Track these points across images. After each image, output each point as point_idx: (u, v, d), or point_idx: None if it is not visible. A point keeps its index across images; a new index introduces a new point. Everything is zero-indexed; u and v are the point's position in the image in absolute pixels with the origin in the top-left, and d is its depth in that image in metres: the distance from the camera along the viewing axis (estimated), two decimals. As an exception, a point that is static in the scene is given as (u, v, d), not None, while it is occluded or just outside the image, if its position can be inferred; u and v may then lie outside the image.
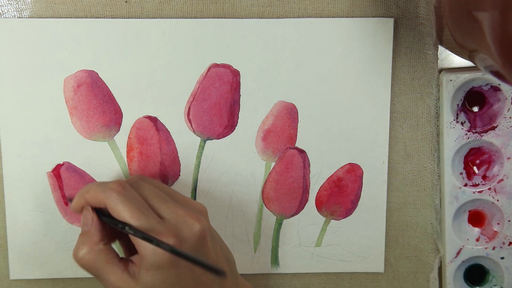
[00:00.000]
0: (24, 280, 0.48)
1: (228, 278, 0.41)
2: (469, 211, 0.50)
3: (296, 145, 0.47)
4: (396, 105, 0.47)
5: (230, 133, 0.47)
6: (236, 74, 0.46)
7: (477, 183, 0.49)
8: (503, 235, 0.49)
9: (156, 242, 0.35)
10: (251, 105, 0.46)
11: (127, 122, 0.46)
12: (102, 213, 0.39)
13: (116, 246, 0.46)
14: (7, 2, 0.44)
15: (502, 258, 0.50)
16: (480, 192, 0.49)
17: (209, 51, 0.45)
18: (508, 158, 0.48)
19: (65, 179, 0.46)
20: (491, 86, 0.48)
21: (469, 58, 0.43)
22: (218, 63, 0.46)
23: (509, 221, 0.49)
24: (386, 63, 0.46)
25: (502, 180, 0.49)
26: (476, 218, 0.50)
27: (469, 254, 0.49)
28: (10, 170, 0.46)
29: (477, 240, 0.50)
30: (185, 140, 0.46)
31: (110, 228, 0.40)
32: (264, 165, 0.47)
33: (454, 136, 0.48)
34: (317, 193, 0.48)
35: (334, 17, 0.46)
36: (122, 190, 0.38)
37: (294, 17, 0.45)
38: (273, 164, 0.47)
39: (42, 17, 0.44)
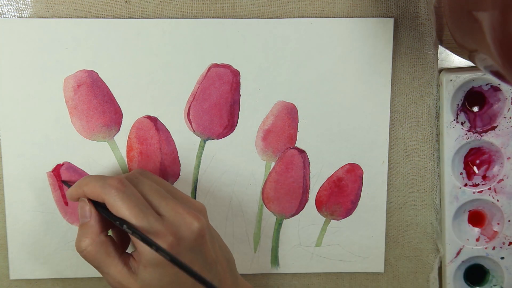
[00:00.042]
0: (24, 280, 0.48)
1: (227, 278, 0.41)
2: (469, 211, 0.50)
3: (296, 145, 0.47)
4: (396, 105, 0.47)
5: (230, 133, 0.47)
6: (236, 74, 0.46)
7: (477, 183, 0.49)
8: (503, 235, 0.49)
9: (155, 247, 0.35)
10: (251, 105, 0.46)
11: (127, 122, 0.46)
12: (98, 204, 0.39)
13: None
14: (7, 2, 0.44)
15: (502, 258, 0.50)
16: (480, 192, 0.49)
17: (209, 51, 0.45)
18: (508, 158, 0.48)
19: (65, 179, 0.46)
20: (491, 86, 0.48)
21: (469, 58, 0.43)
22: (218, 63, 0.46)
23: (509, 221, 0.49)
24: (386, 63, 0.46)
25: (502, 180, 0.49)
26: (476, 218, 0.50)
27: (469, 254, 0.49)
28: (10, 170, 0.46)
29: (477, 240, 0.50)
30: (185, 140, 0.46)
31: (103, 219, 0.40)
32: (264, 165, 0.47)
33: (454, 136, 0.48)
34: (317, 193, 0.48)
35: (334, 17, 0.46)
36: (122, 187, 0.38)
37: (294, 17, 0.45)
38: (273, 164, 0.47)
39: (42, 17, 0.44)
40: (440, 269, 0.50)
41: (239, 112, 0.46)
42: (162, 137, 0.46)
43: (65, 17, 0.44)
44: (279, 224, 0.48)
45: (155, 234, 0.37)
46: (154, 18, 0.45)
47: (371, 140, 0.47)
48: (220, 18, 0.45)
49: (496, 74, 0.37)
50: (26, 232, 0.47)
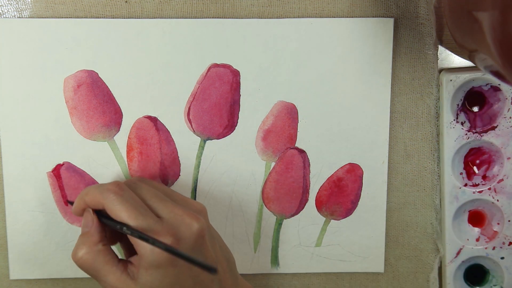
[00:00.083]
0: (24, 280, 0.48)
1: (228, 278, 0.41)
2: (469, 211, 0.50)
3: (296, 145, 0.47)
4: (396, 105, 0.47)
5: (230, 133, 0.47)
6: (236, 74, 0.46)
7: (477, 183, 0.49)
8: (503, 235, 0.49)
9: (151, 241, 0.35)
10: (251, 105, 0.46)
11: (127, 122, 0.46)
12: (102, 215, 0.39)
13: (118, 248, 0.46)
14: (7, 2, 0.44)
15: (502, 258, 0.50)
16: (480, 192, 0.49)
17: (209, 51, 0.45)
18: (508, 158, 0.48)
19: (65, 179, 0.46)
20: (491, 86, 0.48)
21: (469, 58, 0.43)
22: (218, 63, 0.46)
23: (509, 221, 0.49)
24: (386, 63, 0.46)
25: (502, 180, 0.49)
26: (476, 218, 0.50)
27: (469, 254, 0.49)
28: (10, 170, 0.46)
29: (477, 240, 0.50)
30: (185, 140, 0.46)
31: (112, 230, 0.40)
32: (264, 165, 0.47)
33: (454, 136, 0.48)
34: (317, 193, 0.48)
35: (334, 17, 0.46)
36: (119, 191, 0.38)
37: (294, 17, 0.45)
38: (273, 164, 0.47)
39: (42, 17, 0.44)
40: (440, 269, 0.50)
41: (239, 112, 0.46)
42: (162, 137, 0.46)
43: (65, 17, 0.44)
44: (279, 224, 0.48)
45: (154, 235, 0.37)
46: (154, 18, 0.45)
47: (371, 140, 0.47)
48: (220, 18, 0.45)
49: (496, 74, 0.37)
50: (26, 232, 0.47)
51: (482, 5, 0.34)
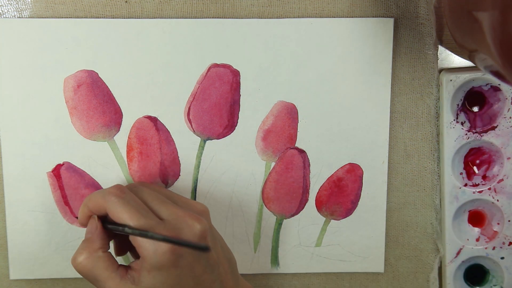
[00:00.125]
0: (24, 280, 0.48)
1: (229, 278, 0.41)
2: (469, 211, 0.50)
3: (296, 145, 0.47)
4: (396, 105, 0.47)
5: (230, 133, 0.47)
6: (236, 74, 0.46)
7: (477, 183, 0.49)
8: (503, 235, 0.49)
9: (150, 235, 0.35)
10: (251, 105, 0.46)
11: (127, 122, 0.46)
12: (107, 222, 0.39)
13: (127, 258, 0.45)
14: (7, 2, 0.44)
15: (502, 258, 0.50)
16: (480, 192, 0.49)
17: (209, 51, 0.45)
18: (508, 158, 0.48)
19: (65, 179, 0.46)
20: (491, 86, 0.48)
21: (469, 58, 0.43)
22: (218, 63, 0.46)
23: (509, 221, 0.49)
24: (386, 63, 0.46)
25: (502, 180, 0.49)
26: (476, 218, 0.50)
27: (469, 254, 0.49)
28: (10, 170, 0.46)
29: (477, 240, 0.50)
30: (185, 140, 0.46)
31: (120, 241, 0.41)
32: (264, 165, 0.47)
33: (454, 136, 0.48)
34: (317, 193, 0.48)
35: (334, 17, 0.46)
36: (121, 194, 0.38)
37: (294, 17, 0.45)
38: (273, 164, 0.47)
39: (42, 17, 0.44)
40: (440, 269, 0.50)
41: (239, 112, 0.46)
42: (162, 137, 0.46)
43: (65, 17, 0.44)
44: (279, 224, 0.48)
45: None
46: (154, 18, 0.45)
47: (371, 140, 0.47)
48: (220, 18, 0.45)
49: (496, 74, 0.37)
50: (26, 232, 0.47)
51: (482, 5, 0.34)
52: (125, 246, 0.42)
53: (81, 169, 0.46)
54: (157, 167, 0.47)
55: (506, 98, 0.47)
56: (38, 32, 0.44)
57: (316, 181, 0.48)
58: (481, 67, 0.39)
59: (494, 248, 0.49)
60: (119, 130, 0.46)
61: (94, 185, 0.46)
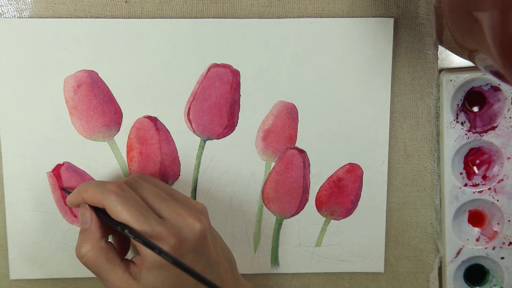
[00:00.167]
0: (24, 280, 0.48)
1: (229, 278, 0.41)
2: (469, 211, 0.50)
3: (296, 145, 0.47)
4: (396, 105, 0.47)
5: (230, 133, 0.47)
6: (236, 74, 0.46)
7: (477, 183, 0.49)
8: (503, 235, 0.49)
9: (157, 251, 0.35)
10: (251, 105, 0.46)
11: (127, 122, 0.46)
12: (99, 210, 0.39)
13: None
14: (7, 2, 0.44)
15: (502, 258, 0.50)
16: (480, 192, 0.49)
17: (209, 51, 0.45)
18: (508, 158, 0.48)
19: (65, 179, 0.46)
20: (491, 86, 0.48)
21: (469, 58, 0.43)
22: (218, 63, 0.46)
23: (509, 221, 0.49)
24: (386, 63, 0.46)
25: (502, 180, 0.49)
26: (476, 218, 0.50)
27: (469, 254, 0.49)
28: (10, 170, 0.46)
29: (477, 240, 0.50)
30: (185, 140, 0.46)
31: (104, 225, 0.40)
32: (264, 165, 0.47)
33: (454, 136, 0.48)
34: (317, 193, 0.48)
35: (334, 17, 0.46)
36: (121, 192, 0.37)
37: (294, 17, 0.45)
38: (273, 164, 0.47)
39: (42, 17, 0.44)
40: (440, 269, 0.50)
41: (239, 112, 0.46)
42: (162, 137, 0.46)
43: (65, 17, 0.44)
44: (279, 224, 0.48)
45: (157, 237, 0.37)
46: (154, 18, 0.45)
47: (371, 140, 0.47)
48: (220, 18, 0.45)
49: (496, 74, 0.37)
50: (26, 232, 0.47)
51: (482, 5, 0.34)
52: (109, 230, 0.41)
53: (81, 169, 0.46)
54: (157, 167, 0.47)
55: (506, 98, 0.47)
56: (38, 32, 0.44)
57: (316, 181, 0.48)
58: (481, 67, 0.39)
59: (494, 248, 0.49)
60: (119, 130, 0.46)
61: (94, 185, 0.46)
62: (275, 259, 0.49)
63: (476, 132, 0.48)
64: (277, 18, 0.45)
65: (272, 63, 0.46)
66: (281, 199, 0.48)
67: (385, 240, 0.49)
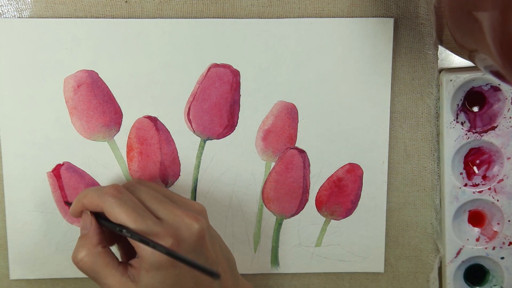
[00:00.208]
0: (24, 280, 0.48)
1: (228, 278, 0.41)
2: (469, 211, 0.50)
3: (296, 145, 0.47)
4: (396, 105, 0.47)
5: (230, 133, 0.47)
6: (236, 74, 0.46)
7: (477, 183, 0.49)
8: (503, 235, 0.49)
9: (152, 244, 0.35)
10: (251, 105, 0.46)
11: (127, 122, 0.46)
12: (101, 217, 0.39)
13: (114, 250, 0.45)
14: (7, 2, 0.44)
15: (502, 258, 0.50)
16: (480, 192, 0.49)
17: (209, 51, 0.45)
18: (508, 158, 0.48)
19: (65, 179, 0.46)
20: (491, 86, 0.48)
21: (469, 58, 0.43)
22: (218, 63, 0.46)
23: (509, 221, 0.49)
24: (386, 63, 0.46)
25: (502, 180, 0.49)
26: (476, 218, 0.50)
27: (469, 254, 0.49)
28: (10, 170, 0.46)
29: (477, 240, 0.50)
30: (185, 140, 0.46)
31: (109, 232, 0.40)
32: (264, 165, 0.47)
33: (454, 136, 0.48)
34: (317, 193, 0.48)
35: (334, 17, 0.46)
36: (118, 194, 0.38)
37: (294, 17, 0.45)
38: (273, 164, 0.47)
39: (42, 17, 0.44)
40: (440, 269, 0.50)
41: (239, 112, 0.46)
42: (162, 137, 0.46)
43: (65, 17, 0.44)
44: (279, 224, 0.48)
45: (155, 237, 0.37)
46: (154, 18, 0.45)
47: (371, 140, 0.47)
48: (220, 18, 0.45)
49: (496, 74, 0.37)
50: (26, 232, 0.47)
51: (482, 5, 0.34)
52: (114, 238, 0.41)
53: (81, 169, 0.46)
54: (157, 167, 0.47)
55: (506, 98, 0.47)
56: (38, 32, 0.44)
57: (316, 181, 0.48)
58: (481, 67, 0.39)
59: (494, 248, 0.49)
60: (119, 130, 0.46)
61: (94, 185, 0.46)
62: (275, 259, 0.49)
63: (476, 132, 0.48)
64: (277, 18, 0.45)
65: (272, 63, 0.46)
66: (281, 199, 0.48)
67: (385, 240, 0.49)
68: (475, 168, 0.49)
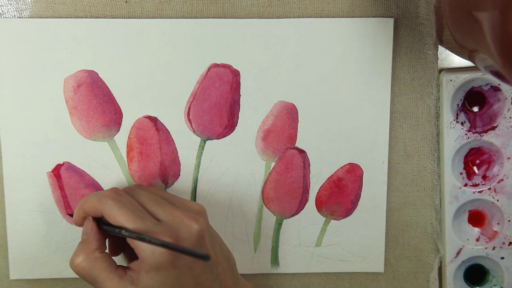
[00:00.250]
0: (24, 280, 0.48)
1: (228, 278, 0.41)
2: (469, 211, 0.50)
3: (296, 145, 0.47)
4: (396, 105, 0.47)
5: (230, 133, 0.47)
6: (236, 74, 0.46)
7: (477, 183, 0.49)
8: (503, 235, 0.49)
9: (148, 239, 0.35)
10: (251, 105, 0.46)
11: (127, 122, 0.46)
12: (103, 222, 0.39)
13: (122, 258, 0.45)
14: (7, 2, 0.44)
15: (502, 258, 0.50)
16: (480, 192, 0.49)
17: (209, 51, 0.45)
18: (508, 158, 0.48)
19: (65, 179, 0.46)
20: (491, 86, 0.48)
21: (469, 58, 0.43)
22: (218, 63, 0.46)
23: (509, 221, 0.49)
24: (386, 63, 0.46)
25: (502, 180, 0.49)
26: (476, 218, 0.50)
27: (469, 254, 0.49)
28: (10, 170, 0.46)
29: (477, 240, 0.50)
30: (185, 140, 0.46)
31: (114, 241, 0.40)
32: (264, 165, 0.47)
33: (454, 136, 0.48)
34: (317, 193, 0.48)
35: (334, 17, 0.46)
36: (117, 196, 0.38)
37: (294, 17, 0.45)
38: (273, 164, 0.47)
39: (42, 17, 0.44)
40: (440, 269, 0.50)
41: (239, 112, 0.46)
42: (162, 137, 0.46)
43: (65, 17, 0.44)
44: (279, 224, 0.48)
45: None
46: (154, 18, 0.45)
47: (371, 140, 0.47)
48: (220, 18, 0.45)
49: (496, 74, 0.37)
50: (26, 232, 0.47)
51: (482, 5, 0.34)
52: (119, 246, 0.42)
53: (81, 169, 0.46)
54: (157, 167, 0.47)
55: (506, 98, 0.47)
56: (38, 32, 0.44)
57: (316, 181, 0.48)
58: (481, 67, 0.39)
59: (494, 248, 0.49)
60: (119, 130, 0.46)
61: (94, 185, 0.46)
62: (275, 259, 0.49)
63: (476, 132, 0.48)
64: (277, 18, 0.45)
65: (272, 63, 0.46)
66: (281, 199, 0.48)
67: (385, 240, 0.49)
68: (475, 168, 0.49)
